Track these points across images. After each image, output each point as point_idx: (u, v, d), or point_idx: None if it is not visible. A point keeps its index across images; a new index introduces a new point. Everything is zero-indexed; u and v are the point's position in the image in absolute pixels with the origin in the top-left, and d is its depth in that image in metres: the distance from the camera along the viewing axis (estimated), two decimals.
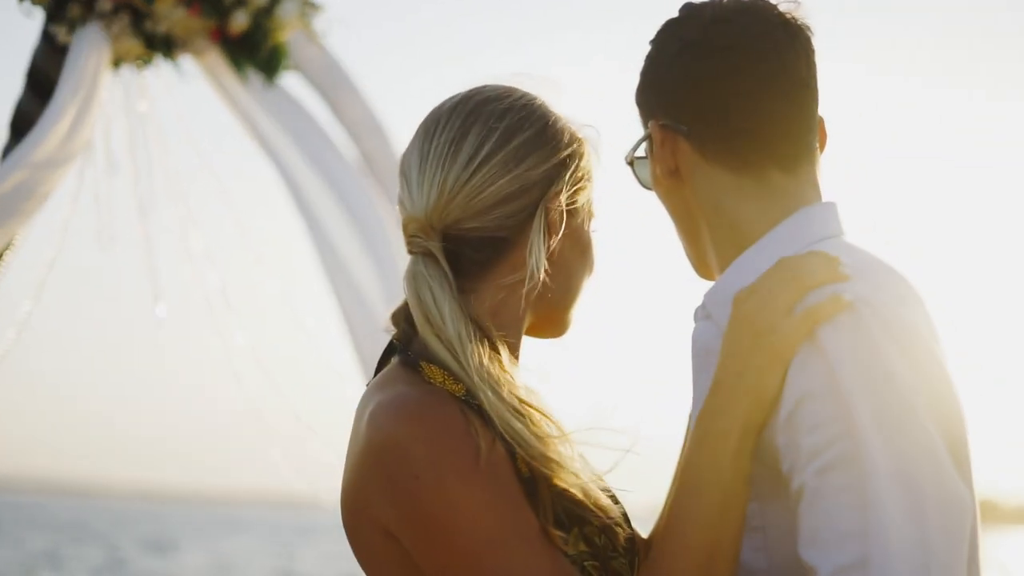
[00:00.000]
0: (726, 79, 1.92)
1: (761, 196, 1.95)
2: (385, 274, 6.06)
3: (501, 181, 1.93)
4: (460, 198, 1.92)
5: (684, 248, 2.10)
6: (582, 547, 1.88)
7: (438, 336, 1.88)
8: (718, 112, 1.94)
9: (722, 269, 2.00)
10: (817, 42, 1.97)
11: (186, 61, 5.38)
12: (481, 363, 1.86)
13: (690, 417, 2.18)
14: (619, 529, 1.95)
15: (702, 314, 2.01)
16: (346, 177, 5.88)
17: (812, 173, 1.99)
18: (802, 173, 1.97)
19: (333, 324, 5.79)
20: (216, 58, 5.44)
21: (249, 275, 5.56)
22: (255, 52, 5.50)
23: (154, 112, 5.18)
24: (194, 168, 5.30)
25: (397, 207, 2.03)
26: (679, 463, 2.20)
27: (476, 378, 1.85)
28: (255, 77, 5.53)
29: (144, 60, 5.26)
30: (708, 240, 2.01)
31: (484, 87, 2.02)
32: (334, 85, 5.94)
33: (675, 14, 2.03)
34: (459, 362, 1.86)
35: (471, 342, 1.87)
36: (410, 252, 1.97)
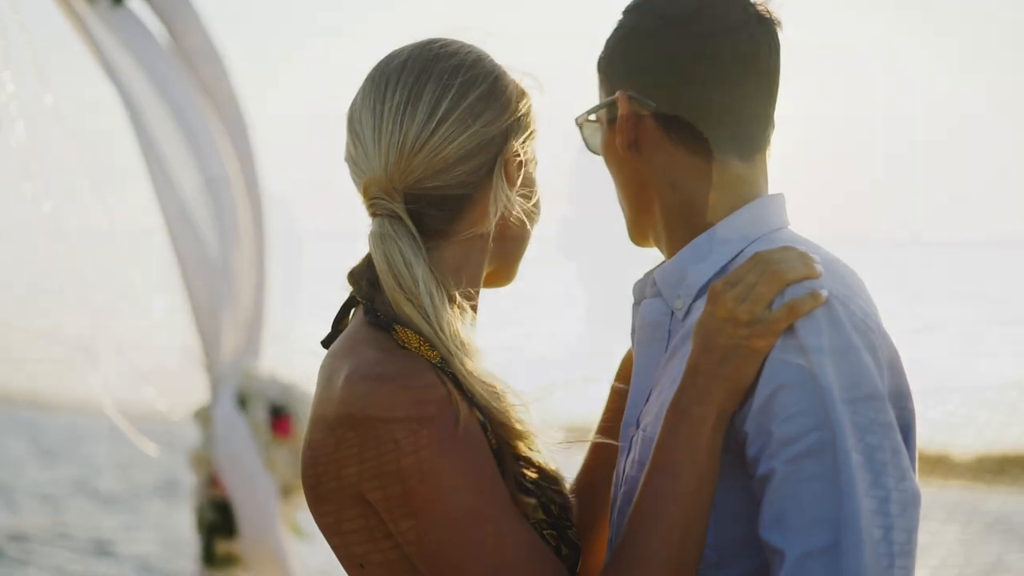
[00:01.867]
0: (702, 64, 1.95)
1: (719, 181, 2.00)
2: (219, 206, 5.96)
3: (461, 138, 1.92)
4: (421, 156, 1.91)
5: (626, 215, 2.13)
6: (540, 516, 1.90)
7: (411, 301, 1.87)
8: (689, 95, 1.97)
9: (670, 246, 2.05)
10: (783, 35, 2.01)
11: None
12: (456, 331, 1.86)
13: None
14: (568, 498, 1.99)
15: (651, 291, 2.05)
16: (188, 104, 5.75)
17: (764, 163, 2.05)
18: (758, 163, 2.03)
19: (168, 262, 5.69)
20: None
21: (84, 200, 5.40)
22: None
23: None
24: (36, 89, 5.10)
25: (346, 163, 2.00)
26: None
27: (451, 346, 1.85)
28: None
29: None
30: (658, 215, 2.05)
31: (431, 42, 2.00)
32: (175, 11, 5.80)
33: None
34: (433, 329, 1.86)
35: (444, 308, 1.87)
36: (373, 215, 1.94)
